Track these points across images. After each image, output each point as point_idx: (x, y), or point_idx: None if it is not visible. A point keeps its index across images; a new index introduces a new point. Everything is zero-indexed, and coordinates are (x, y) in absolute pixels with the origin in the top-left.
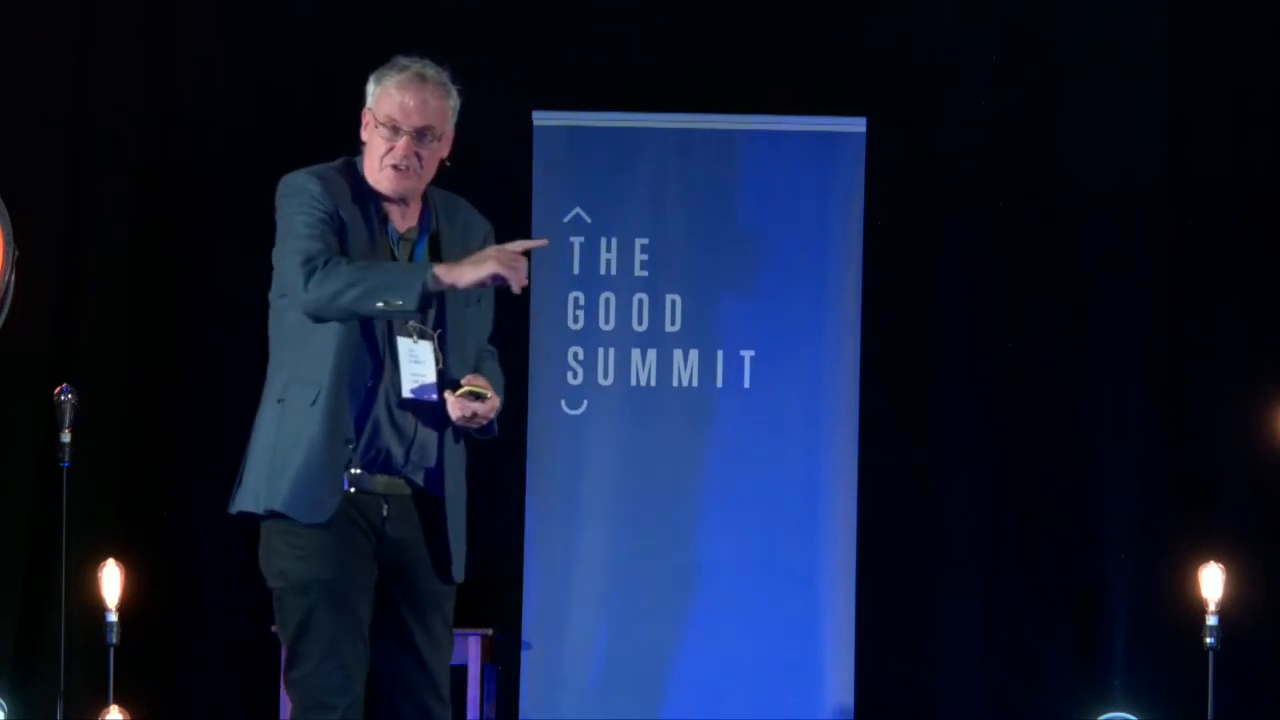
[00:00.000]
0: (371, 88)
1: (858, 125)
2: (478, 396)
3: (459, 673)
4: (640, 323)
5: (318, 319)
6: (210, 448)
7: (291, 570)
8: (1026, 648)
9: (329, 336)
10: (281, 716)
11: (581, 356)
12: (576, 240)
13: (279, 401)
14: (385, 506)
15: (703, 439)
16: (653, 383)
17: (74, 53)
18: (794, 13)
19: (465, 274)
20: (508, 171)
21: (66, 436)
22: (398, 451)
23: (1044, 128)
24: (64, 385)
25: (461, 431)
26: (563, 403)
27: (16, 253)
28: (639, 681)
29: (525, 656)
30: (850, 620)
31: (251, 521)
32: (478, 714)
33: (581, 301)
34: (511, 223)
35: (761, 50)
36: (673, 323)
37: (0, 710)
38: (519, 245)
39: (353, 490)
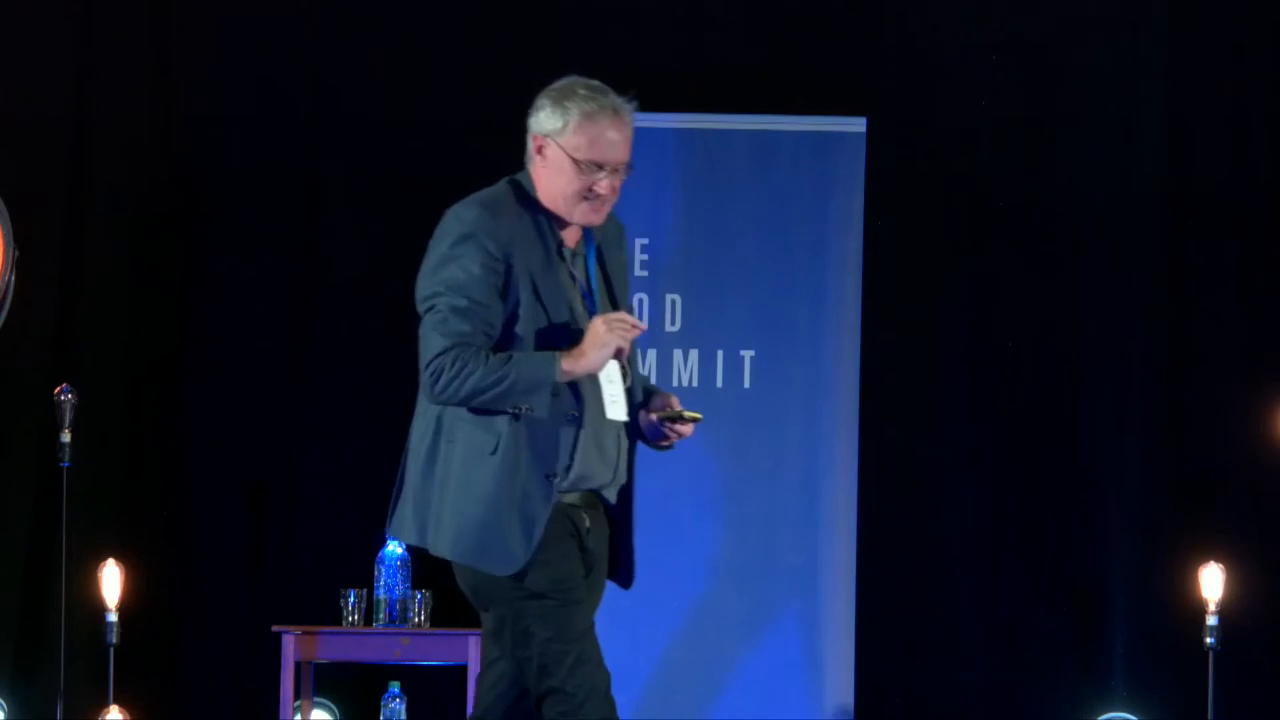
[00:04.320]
0: (557, 119)
1: (858, 125)
2: (683, 418)
3: (459, 672)
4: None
5: None
6: (210, 448)
7: (529, 579)
8: (1026, 648)
9: None
10: (282, 716)
11: None
12: None
13: (450, 442)
14: (586, 519)
15: (702, 439)
16: (652, 383)
17: (75, 53)
18: (795, 12)
19: (589, 359)
20: (508, 172)
21: (66, 436)
22: (604, 473)
23: (1044, 128)
24: (64, 385)
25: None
26: None
27: (16, 253)
28: (639, 681)
29: None
30: (850, 620)
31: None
32: None
33: None
34: None
35: (762, 50)
36: (673, 323)
37: (0, 710)
38: (621, 315)
39: (561, 501)
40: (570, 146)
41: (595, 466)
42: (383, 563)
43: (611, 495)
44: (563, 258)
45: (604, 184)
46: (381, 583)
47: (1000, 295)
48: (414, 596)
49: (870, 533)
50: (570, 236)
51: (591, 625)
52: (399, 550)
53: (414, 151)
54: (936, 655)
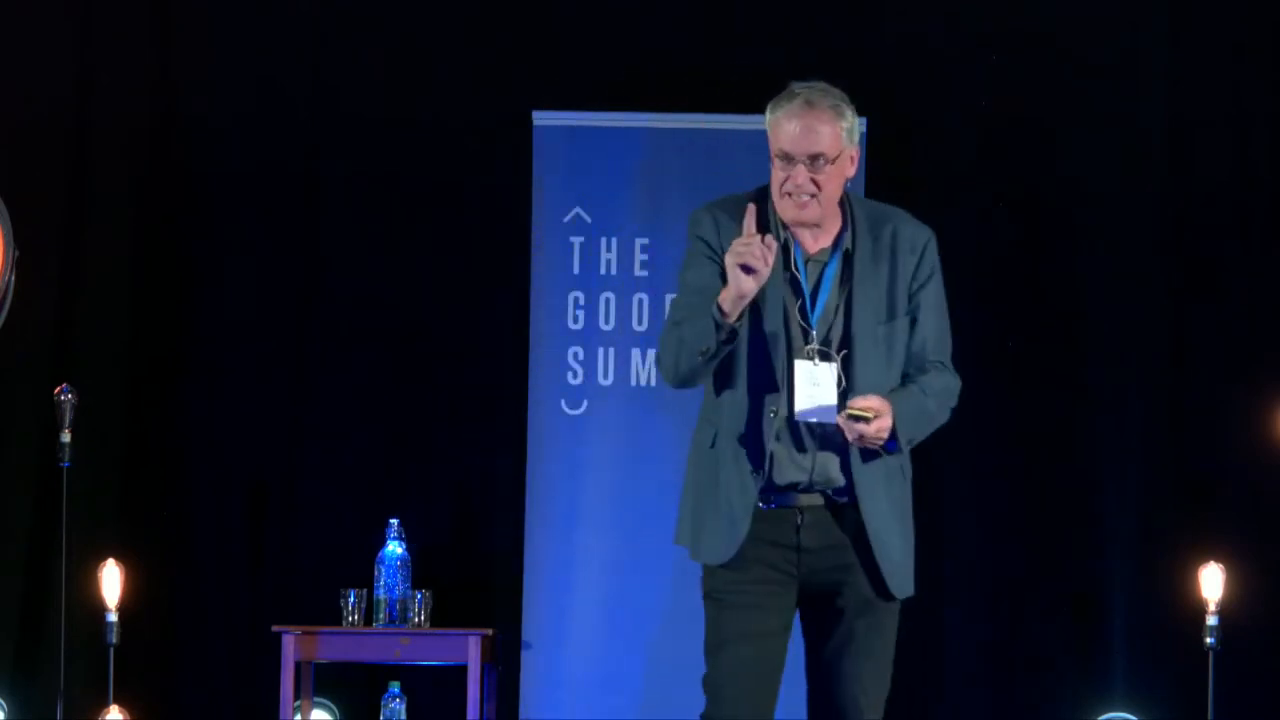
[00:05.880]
0: (767, 117)
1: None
2: (859, 418)
3: (459, 672)
4: (640, 323)
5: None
6: (210, 448)
7: (708, 583)
8: (1027, 648)
9: (726, 374)
10: (282, 716)
11: (581, 356)
12: (576, 240)
13: (695, 442)
14: (800, 516)
15: None
16: (653, 383)
17: (75, 52)
18: (795, 12)
19: (729, 286)
20: (508, 171)
21: (66, 436)
22: (800, 476)
23: (1044, 128)
24: (64, 385)
25: (871, 451)
26: (563, 403)
27: (16, 253)
28: (639, 681)
29: (525, 656)
30: None
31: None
32: (478, 714)
33: (581, 301)
34: (511, 222)
35: (762, 50)
36: None
37: (0, 710)
38: (744, 239)
39: (762, 507)
40: (770, 141)
41: (787, 466)
42: (383, 563)
43: (832, 496)
44: (793, 261)
45: (797, 175)
46: (381, 583)
47: (1000, 295)
48: (414, 596)
49: None
50: (811, 242)
51: (752, 630)
52: (399, 550)
53: (414, 151)
54: (937, 656)
